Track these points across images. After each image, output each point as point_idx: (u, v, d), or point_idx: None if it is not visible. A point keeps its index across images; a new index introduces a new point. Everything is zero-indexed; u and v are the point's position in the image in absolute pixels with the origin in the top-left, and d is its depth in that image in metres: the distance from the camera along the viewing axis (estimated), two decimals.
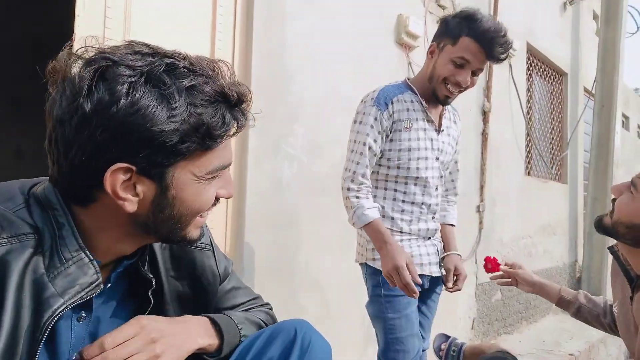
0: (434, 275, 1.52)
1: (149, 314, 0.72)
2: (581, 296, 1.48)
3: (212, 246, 0.84)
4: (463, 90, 1.44)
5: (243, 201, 1.91)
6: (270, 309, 0.96)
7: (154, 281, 0.72)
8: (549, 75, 4.63)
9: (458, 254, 1.62)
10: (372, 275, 1.48)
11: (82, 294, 0.61)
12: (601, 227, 1.21)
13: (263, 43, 1.94)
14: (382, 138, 1.43)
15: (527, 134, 4.14)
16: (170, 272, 0.76)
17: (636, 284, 1.20)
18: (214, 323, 0.76)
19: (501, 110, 3.66)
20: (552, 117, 4.75)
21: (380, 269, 1.41)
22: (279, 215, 2.01)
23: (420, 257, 1.49)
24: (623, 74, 5.06)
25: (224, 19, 1.87)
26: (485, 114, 3.44)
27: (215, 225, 1.88)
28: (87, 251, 0.62)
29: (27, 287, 0.57)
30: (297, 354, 0.76)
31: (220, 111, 0.60)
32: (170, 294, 0.76)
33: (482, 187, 3.41)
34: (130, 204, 0.61)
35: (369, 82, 1.74)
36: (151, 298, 0.72)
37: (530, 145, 4.28)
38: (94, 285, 0.62)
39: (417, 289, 1.29)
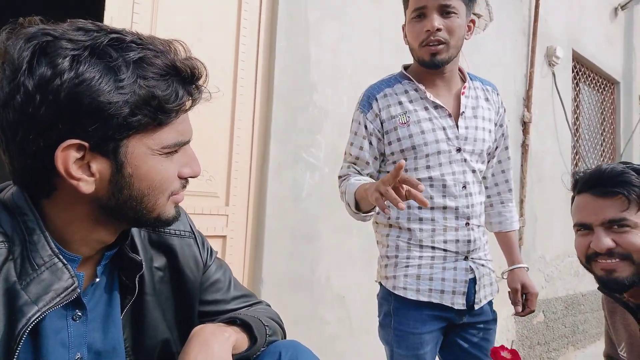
0: (455, 307, 1.22)
1: (132, 304, 0.71)
2: None
3: (194, 233, 0.82)
4: (449, 41, 1.20)
5: (263, 210, 1.90)
6: (268, 305, 0.91)
7: (143, 263, 0.71)
8: (598, 84, 4.37)
9: (524, 267, 1.36)
10: (384, 301, 1.29)
11: (58, 299, 0.59)
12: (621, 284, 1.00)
13: (286, 54, 1.95)
14: (369, 142, 1.26)
15: (574, 147, 3.90)
16: (153, 263, 0.75)
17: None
18: (233, 320, 0.74)
19: (543, 121, 3.48)
20: (603, 128, 4.46)
21: (393, 291, 1.24)
22: (300, 225, 1.99)
23: (441, 283, 1.21)
24: None
25: (248, 31, 1.90)
26: (525, 125, 3.28)
27: (235, 235, 1.90)
28: (60, 256, 0.61)
29: (0, 297, 0.57)
30: None
31: (172, 85, 0.59)
32: (152, 284, 0.74)
33: (521, 201, 3.23)
34: (86, 185, 0.58)
35: None
36: (137, 285, 0.71)
37: (577, 158, 4.03)
38: (69, 289, 0.61)
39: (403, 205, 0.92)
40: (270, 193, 1.90)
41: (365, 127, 1.25)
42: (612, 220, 0.99)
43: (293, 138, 1.97)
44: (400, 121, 1.23)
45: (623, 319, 1.11)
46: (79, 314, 0.65)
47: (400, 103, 1.25)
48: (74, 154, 0.56)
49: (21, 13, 0.61)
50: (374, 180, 1.20)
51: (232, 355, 0.70)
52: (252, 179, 1.92)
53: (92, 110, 0.54)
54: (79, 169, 0.58)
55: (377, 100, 1.26)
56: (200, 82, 0.62)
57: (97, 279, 0.68)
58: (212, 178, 1.84)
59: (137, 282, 0.71)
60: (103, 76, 0.55)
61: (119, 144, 0.58)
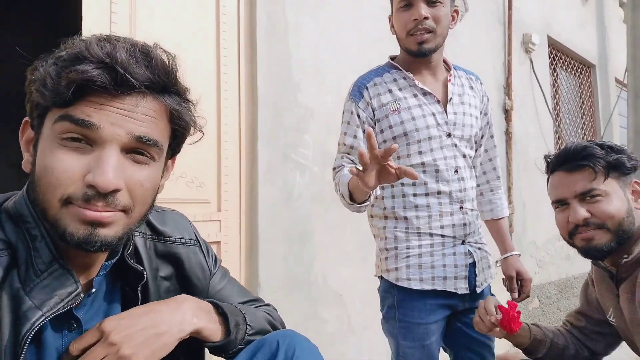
0: (459, 292, 1.23)
1: None
2: (546, 335, 1.22)
3: (199, 241, 0.82)
4: (436, 30, 1.23)
5: (255, 213, 1.89)
6: (275, 309, 0.90)
7: (145, 274, 0.70)
8: (575, 68, 4.45)
9: (517, 254, 1.40)
10: (387, 294, 1.29)
11: (62, 304, 0.60)
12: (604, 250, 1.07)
13: (267, 55, 1.95)
14: (363, 131, 1.25)
15: (556, 131, 3.97)
16: (159, 272, 0.74)
17: (617, 278, 1.10)
18: (216, 307, 0.73)
19: (525, 107, 3.53)
20: (582, 111, 4.55)
21: (397, 282, 1.24)
22: (293, 226, 1.98)
23: (443, 269, 1.22)
24: None
25: (227, 35, 1.89)
26: (507, 113, 3.32)
27: (229, 240, 1.88)
28: (61, 261, 0.61)
29: (4, 303, 0.57)
30: None
31: (73, 68, 0.56)
32: (157, 295, 0.73)
33: (509, 189, 3.27)
34: (26, 162, 0.62)
35: None
36: (139, 295, 0.70)
37: (560, 142, 4.10)
38: (73, 294, 0.61)
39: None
40: (262, 196, 1.89)
41: (358, 115, 1.26)
42: (583, 192, 1.06)
43: (281, 139, 1.96)
44: (391, 109, 1.24)
45: (609, 286, 1.15)
46: (75, 325, 0.65)
47: (390, 91, 1.26)
48: (29, 132, 0.63)
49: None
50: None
51: (205, 343, 0.71)
52: (242, 183, 1.91)
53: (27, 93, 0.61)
54: (27, 143, 0.64)
55: (367, 89, 1.27)
56: (126, 70, 0.57)
57: (94, 290, 0.67)
58: (202, 185, 1.82)
59: (140, 292, 0.70)
60: (38, 68, 0.59)
61: (40, 122, 0.60)
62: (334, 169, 1.29)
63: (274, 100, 1.95)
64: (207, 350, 0.77)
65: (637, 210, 1.08)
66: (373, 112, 1.26)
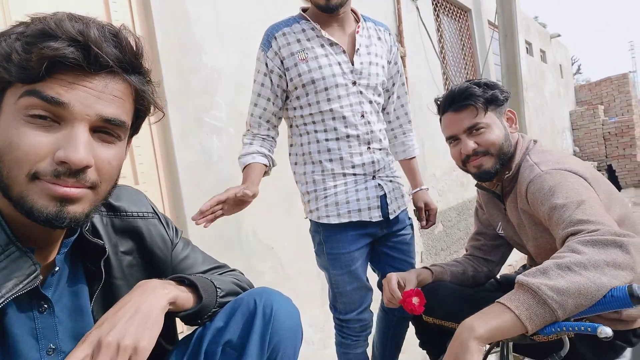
0: (373, 220, 1.38)
1: (101, 289, 0.71)
2: (445, 269, 1.37)
3: (157, 214, 0.82)
4: None
5: (176, 181, 1.87)
6: (241, 273, 0.93)
7: (106, 247, 0.71)
8: (455, 13, 4.83)
9: (425, 188, 1.58)
10: (315, 232, 1.42)
11: (21, 286, 0.59)
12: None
13: (163, 16, 1.85)
14: (270, 80, 1.35)
15: (444, 73, 4.34)
16: (119, 248, 0.75)
17: (503, 193, 1.31)
18: (181, 280, 0.74)
19: (415, 53, 3.79)
20: (463, 53, 5.00)
21: (319, 220, 1.37)
22: (217, 189, 1.98)
23: (357, 203, 1.37)
24: (520, 4, 5.39)
25: None
26: (401, 59, 3.55)
27: None
28: (18, 243, 0.60)
29: None
30: (260, 326, 0.74)
31: (39, 45, 0.56)
32: (120, 269, 0.74)
33: None
34: None
35: None
36: (103, 270, 0.70)
37: (448, 83, 4.50)
38: (32, 276, 0.61)
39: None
40: (180, 163, 1.87)
41: (266, 64, 1.34)
42: (469, 127, 1.23)
43: (190, 103, 1.92)
44: (300, 57, 1.32)
45: (496, 204, 1.39)
46: (45, 306, 0.65)
47: (298, 41, 1.33)
48: None
49: None
50: (250, 177, 1.41)
51: (178, 312, 0.72)
52: (157, 152, 1.86)
53: None
54: None
55: (275, 38, 1.33)
56: (99, 49, 0.57)
57: (57, 268, 0.67)
58: None
59: (102, 267, 0.71)
60: (8, 37, 0.57)
61: (0, 98, 0.58)
62: (245, 132, 1.40)
63: (177, 63, 1.89)
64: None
65: (512, 134, 1.29)
66: (282, 61, 1.33)
